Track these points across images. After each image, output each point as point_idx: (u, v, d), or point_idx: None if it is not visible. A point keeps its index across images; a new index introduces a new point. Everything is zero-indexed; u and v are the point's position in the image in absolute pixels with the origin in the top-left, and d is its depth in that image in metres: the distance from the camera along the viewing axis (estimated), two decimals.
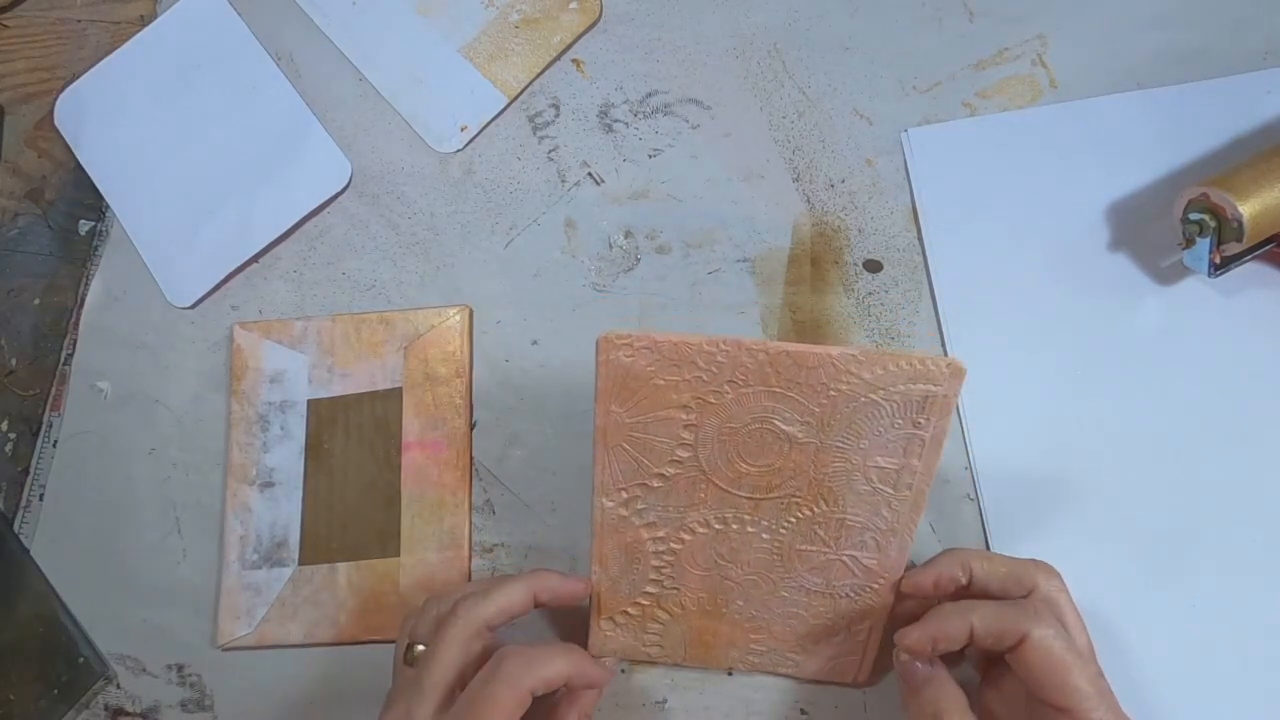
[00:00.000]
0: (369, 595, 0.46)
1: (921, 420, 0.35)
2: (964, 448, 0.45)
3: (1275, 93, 0.46)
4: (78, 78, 0.55)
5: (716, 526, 0.39)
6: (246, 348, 0.49)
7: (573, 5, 0.53)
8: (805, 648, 0.41)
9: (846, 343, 0.46)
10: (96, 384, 0.51)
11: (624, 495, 0.38)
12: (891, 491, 0.37)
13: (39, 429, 0.51)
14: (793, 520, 0.38)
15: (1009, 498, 0.44)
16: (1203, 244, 0.41)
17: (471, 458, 0.47)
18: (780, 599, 0.40)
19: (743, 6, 0.52)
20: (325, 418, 0.48)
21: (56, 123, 0.55)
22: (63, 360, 0.52)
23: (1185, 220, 0.42)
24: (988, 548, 0.43)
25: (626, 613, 0.41)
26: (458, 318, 0.49)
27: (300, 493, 0.48)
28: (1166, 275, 0.45)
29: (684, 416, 0.36)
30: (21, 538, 0.49)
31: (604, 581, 0.40)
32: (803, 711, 0.43)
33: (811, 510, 0.38)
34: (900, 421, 0.36)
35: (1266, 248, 0.42)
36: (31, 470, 0.50)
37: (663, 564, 0.40)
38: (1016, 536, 0.43)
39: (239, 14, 0.55)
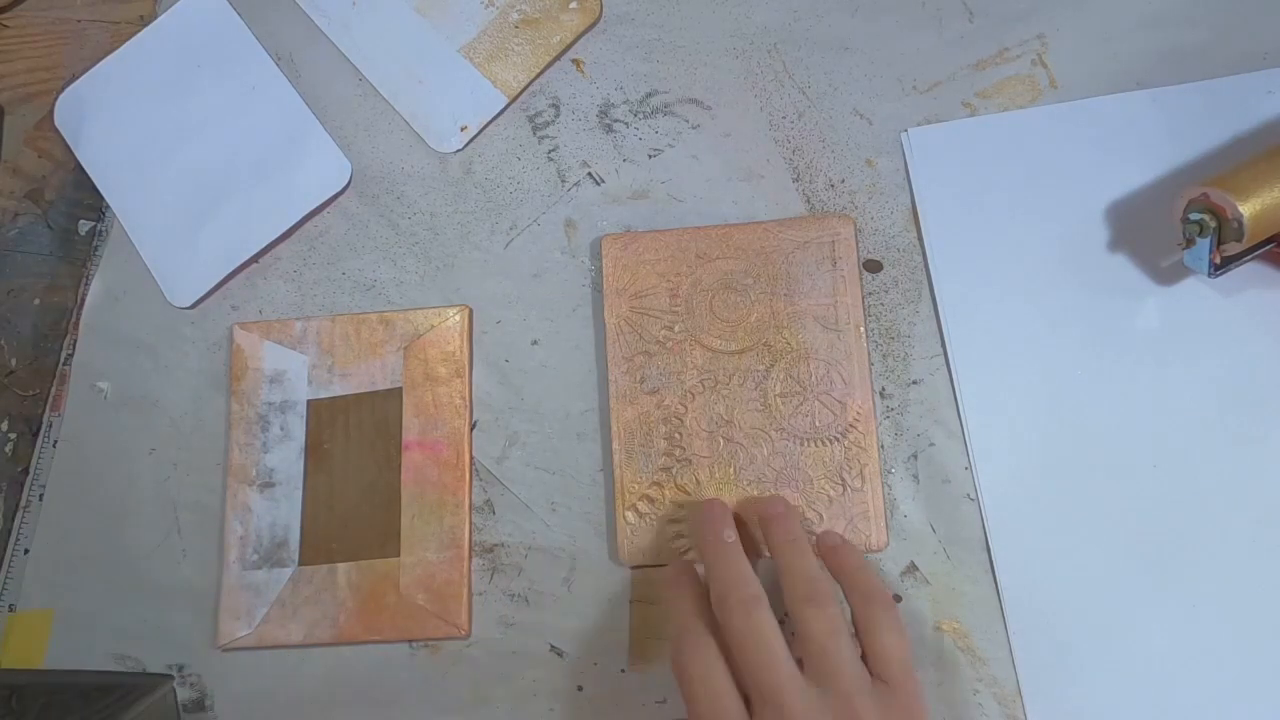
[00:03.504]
0: (369, 595, 0.46)
1: (837, 259, 0.46)
2: (964, 448, 0.45)
3: (1275, 93, 0.46)
4: (78, 78, 0.55)
5: (710, 385, 0.46)
6: (246, 348, 0.49)
7: (573, 5, 0.53)
8: (818, 515, 0.44)
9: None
10: (96, 384, 0.51)
11: (629, 365, 0.46)
12: (834, 324, 0.46)
13: (39, 429, 0.51)
14: (767, 369, 0.46)
15: (1009, 498, 0.44)
16: (1203, 244, 0.41)
17: (471, 458, 0.48)
18: (779, 456, 0.45)
19: (743, 6, 0.52)
20: (325, 418, 0.48)
21: (56, 123, 0.55)
22: (63, 360, 0.52)
23: (1185, 220, 0.42)
24: (988, 547, 0.43)
25: (648, 497, 0.45)
26: (457, 318, 0.49)
27: (300, 493, 0.48)
28: (1166, 275, 0.45)
29: (667, 287, 0.47)
30: (21, 538, 0.49)
31: (622, 459, 0.45)
32: None
33: (780, 358, 0.46)
34: (823, 263, 0.46)
35: (1266, 248, 0.42)
36: (31, 470, 0.50)
37: (671, 431, 0.45)
38: (1017, 536, 0.43)
39: (239, 14, 0.55)
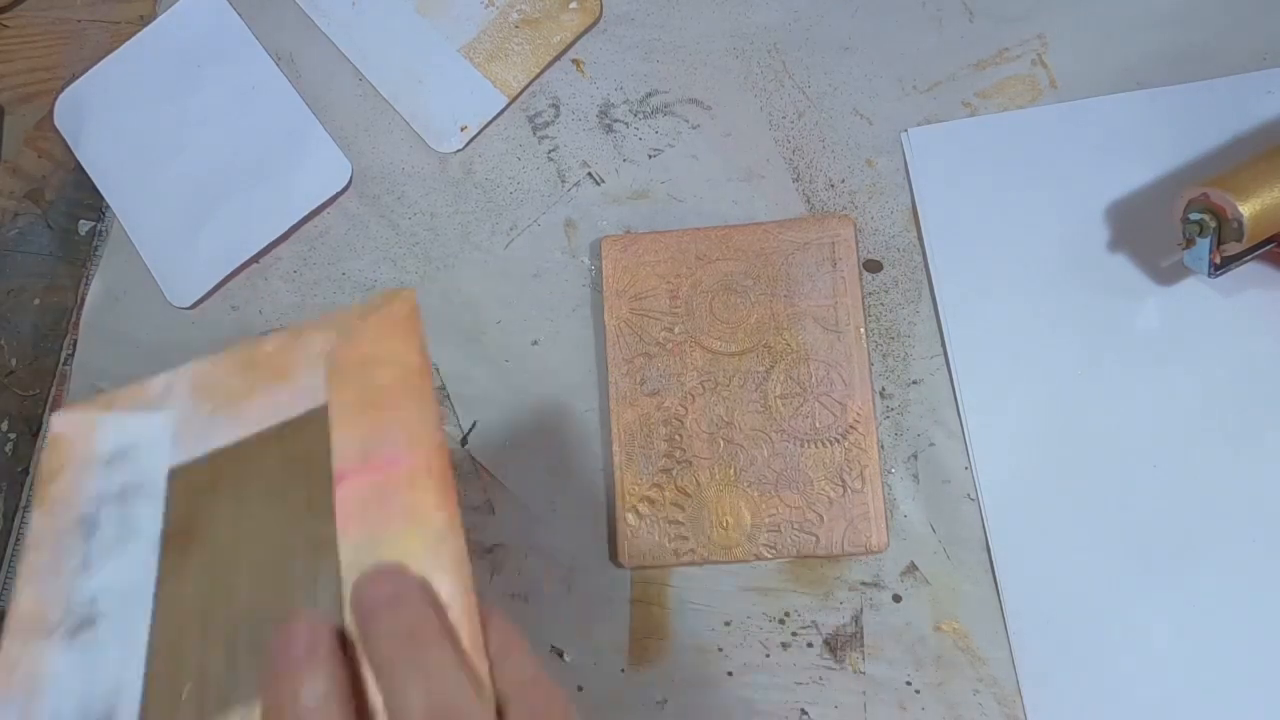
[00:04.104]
0: None
1: (837, 260, 0.46)
2: (964, 448, 0.45)
3: (1275, 93, 0.46)
4: (78, 78, 0.55)
5: (710, 387, 0.46)
6: (70, 436, 0.33)
7: (573, 5, 0.53)
8: (819, 516, 0.44)
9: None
10: (97, 384, 0.51)
11: (629, 367, 0.46)
12: (834, 326, 0.46)
13: (39, 429, 0.51)
14: (767, 371, 0.46)
15: (1009, 498, 0.44)
16: (1203, 244, 0.41)
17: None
18: (780, 457, 0.45)
19: (743, 6, 0.52)
20: (200, 485, 0.32)
21: (56, 123, 0.55)
22: (63, 360, 0.52)
23: (1185, 220, 0.42)
24: (988, 547, 0.43)
25: (648, 499, 0.45)
26: (399, 307, 0.34)
27: (146, 620, 0.29)
28: (1166, 275, 0.45)
29: (667, 289, 0.47)
30: (22, 537, 0.49)
31: (622, 461, 0.45)
32: (803, 712, 0.43)
33: (780, 359, 0.46)
34: (823, 264, 0.46)
35: (1266, 248, 0.42)
36: (31, 470, 0.50)
37: (671, 432, 0.46)
38: (1017, 536, 0.43)
39: (239, 14, 0.55)
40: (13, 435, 0.51)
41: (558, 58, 0.52)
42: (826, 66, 0.50)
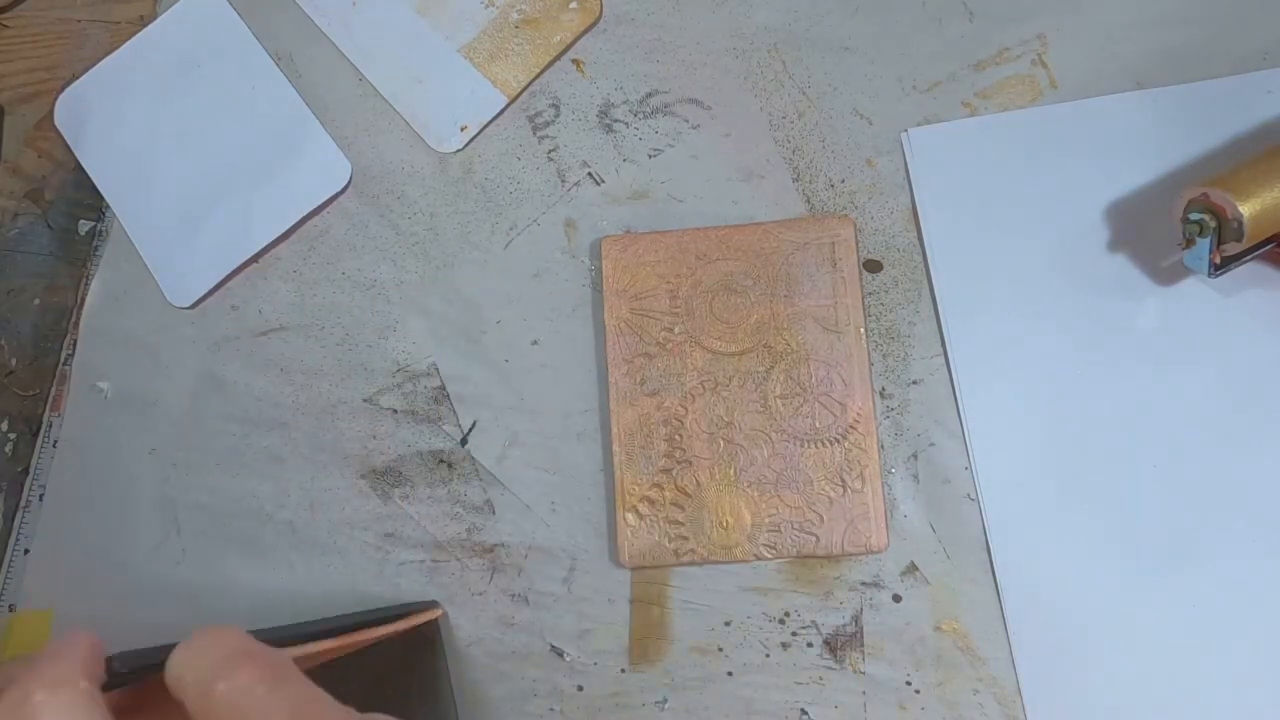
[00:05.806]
0: None
1: (837, 260, 0.46)
2: (964, 448, 0.45)
3: (1275, 93, 0.46)
4: (78, 78, 0.55)
5: (710, 387, 0.46)
6: None
7: (573, 5, 0.53)
8: (819, 516, 0.44)
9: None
10: (96, 384, 0.51)
11: (629, 367, 0.46)
12: (834, 326, 0.46)
13: (39, 429, 0.51)
14: (767, 371, 0.46)
15: (1009, 498, 0.44)
16: (1203, 244, 0.41)
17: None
18: (779, 457, 0.45)
19: (743, 6, 0.52)
20: None
21: (56, 123, 0.55)
22: (63, 360, 0.52)
23: (1185, 220, 0.42)
24: (988, 547, 0.44)
25: (648, 499, 0.45)
26: (425, 625, 0.44)
27: None
28: (1166, 275, 0.45)
29: (667, 289, 0.47)
30: (21, 538, 0.49)
31: (622, 461, 0.46)
32: (803, 712, 0.43)
33: (780, 359, 0.46)
34: (823, 264, 0.46)
35: (1266, 248, 0.42)
36: (31, 470, 0.50)
37: (671, 432, 0.46)
38: (1017, 536, 0.43)
39: (239, 14, 0.55)
40: (13, 435, 0.51)
41: (558, 58, 0.52)
42: (826, 66, 0.50)
